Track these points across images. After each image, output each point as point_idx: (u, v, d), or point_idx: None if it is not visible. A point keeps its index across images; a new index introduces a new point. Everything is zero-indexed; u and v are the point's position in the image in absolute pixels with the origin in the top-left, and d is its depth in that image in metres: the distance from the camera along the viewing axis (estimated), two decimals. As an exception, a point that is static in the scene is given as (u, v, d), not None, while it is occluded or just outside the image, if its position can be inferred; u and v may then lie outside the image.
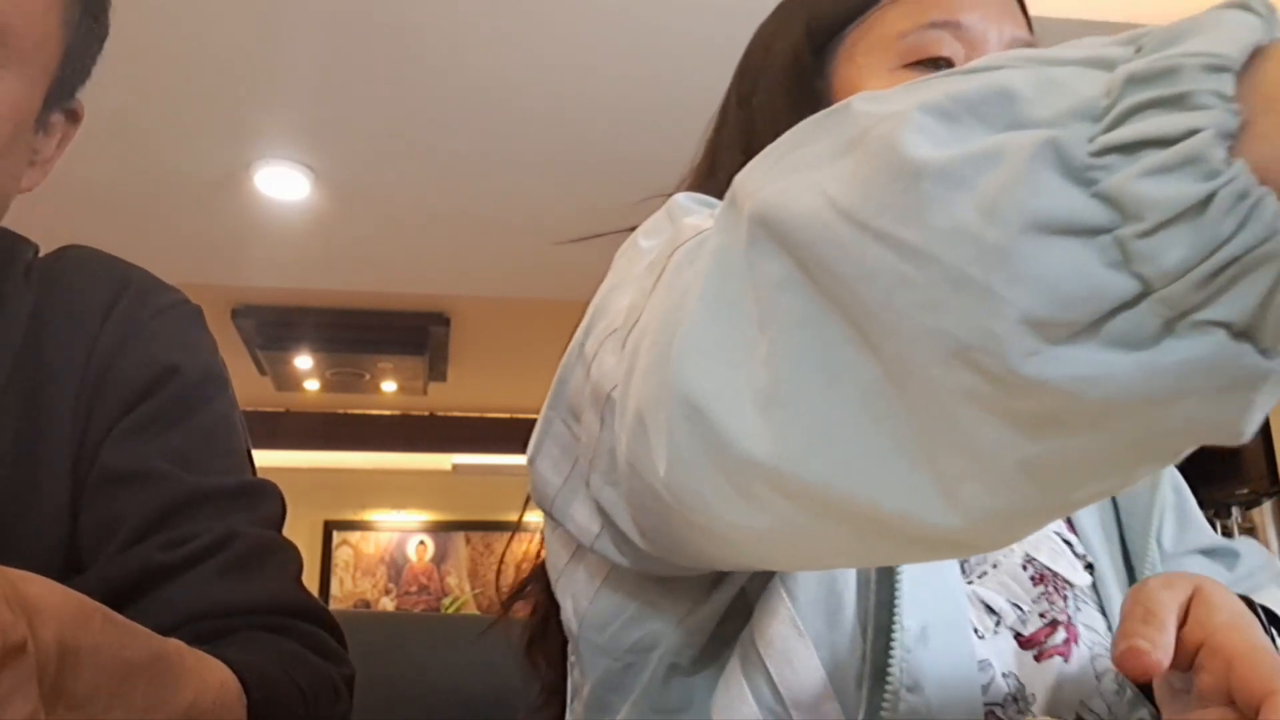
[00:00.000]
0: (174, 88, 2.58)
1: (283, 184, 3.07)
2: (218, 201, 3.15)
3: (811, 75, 0.74)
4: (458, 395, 5.23)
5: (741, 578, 0.62)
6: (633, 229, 0.63)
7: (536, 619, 0.77)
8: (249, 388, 4.89)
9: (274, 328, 4.30)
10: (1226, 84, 0.28)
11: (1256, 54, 0.28)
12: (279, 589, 0.68)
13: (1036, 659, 0.64)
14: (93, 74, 0.74)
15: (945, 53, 0.70)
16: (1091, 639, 0.67)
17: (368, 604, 6.01)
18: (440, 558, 6.12)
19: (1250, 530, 3.58)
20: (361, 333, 4.39)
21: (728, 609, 0.63)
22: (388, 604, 6.01)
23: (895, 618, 0.58)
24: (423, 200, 3.19)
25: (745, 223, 0.38)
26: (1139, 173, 0.28)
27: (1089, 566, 0.69)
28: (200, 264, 3.55)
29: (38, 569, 0.42)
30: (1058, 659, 0.64)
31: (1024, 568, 0.66)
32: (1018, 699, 0.62)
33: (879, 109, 0.35)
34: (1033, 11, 0.78)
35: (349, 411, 5.49)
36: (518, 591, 0.78)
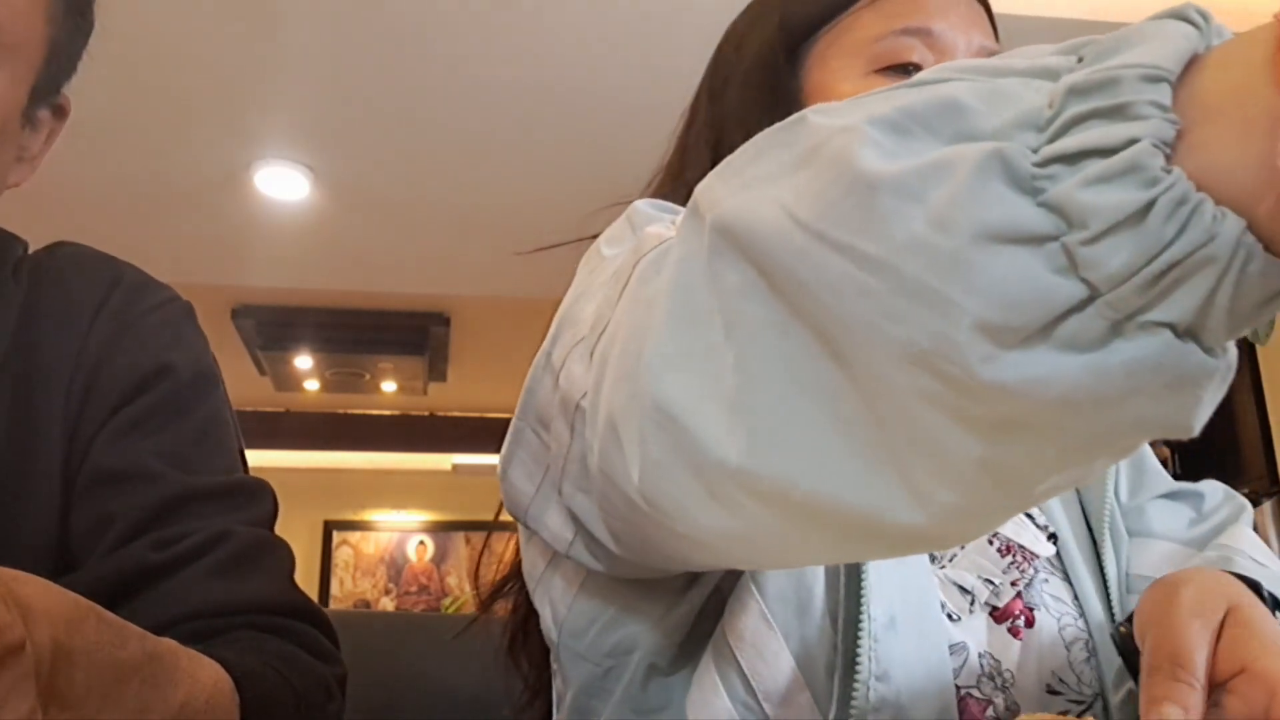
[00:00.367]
0: (175, 88, 2.59)
1: (283, 184, 3.08)
2: (218, 201, 3.16)
3: (783, 76, 0.75)
4: (458, 395, 5.23)
5: (716, 576, 0.63)
6: (595, 237, 0.64)
7: (517, 618, 0.78)
8: (249, 388, 4.89)
9: (274, 328, 4.31)
10: (1164, 94, 0.29)
11: (1193, 63, 0.30)
12: (272, 588, 0.68)
13: (1011, 632, 0.65)
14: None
15: (915, 59, 0.71)
16: (1059, 609, 0.68)
17: (368, 604, 6.01)
18: (440, 558, 6.13)
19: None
20: (361, 333, 4.39)
21: (703, 607, 0.63)
22: (388, 604, 6.01)
23: (862, 608, 0.59)
24: (423, 200, 3.19)
25: (707, 234, 0.38)
26: (1082, 182, 0.29)
27: (1052, 536, 0.70)
28: (200, 264, 3.55)
29: (29, 567, 0.43)
30: (1029, 632, 0.66)
31: (990, 542, 0.67)
32: (994, 677, 0.63)
33: (833, 122, 0.36)
34: (1008, 10, 0.79)
35: (349, 411, 5.49)
36: (497, 591, 0.79)
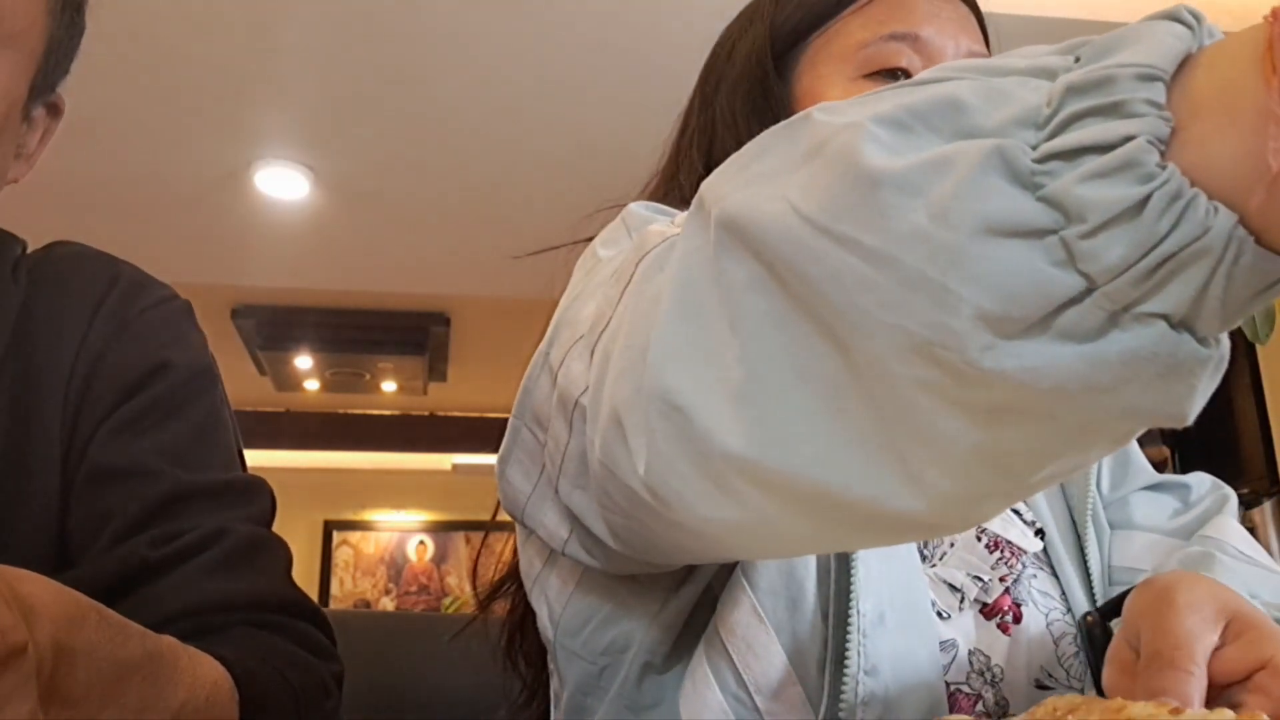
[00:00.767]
0: (175, 87, 2.59)
1: (283, 184, 3.08)
2: (218, 201, 3.16)
3: (773, 82, 0.76)
4: (458, 395, 5.23)
5: (709, 572, 0.64)
6: (590, 239, 0.65)
7: (514, 618, 0.79)
8: (249, 388, 4.89)
9: (274, 328, 4.31)
10: (1158, 92, 0.30)
11: (1186, 62, 0.31)
12: (270, 585, 0.68)
13: (1000, 628, 0.66)
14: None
15: (904, 64, 0.72)
16: (1047, 604, 0.69)
17: (368, 604, 6.01)
18: (440, 558, 6.13)
19: (1250, 530, 3.57)
20: (361, 333, 4.39)
21: (696, 604, 0.64)
22: (388, 604, 6.01)
23: (852, 603, 0.60)
24: (423, 200, 3.20)
25: (713, 228, 0.39)
26: (1080, 177, 0.30)
27: (1039, 532, 0.71)
28: (200, 264, 3.55)
29: (29, 565, 0.43)
30: (1018, 627, 0.66)
31: (978, 538, 0.68)
32: (983, 673, 0.64)
33: (836, 119, 0.37)
34: (1004, 10, 0.79)
35: (349, 411, 5.49)
36: (495, 591, 0.80)
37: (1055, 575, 0.71)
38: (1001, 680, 0.64)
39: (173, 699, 0.49)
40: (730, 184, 0.40)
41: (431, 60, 2.52)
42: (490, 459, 0.65)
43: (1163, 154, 0.29)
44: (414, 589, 6.08)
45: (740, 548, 0.52)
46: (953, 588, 0.66)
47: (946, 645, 0.64)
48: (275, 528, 0.74)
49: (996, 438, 0.34)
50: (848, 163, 0.34)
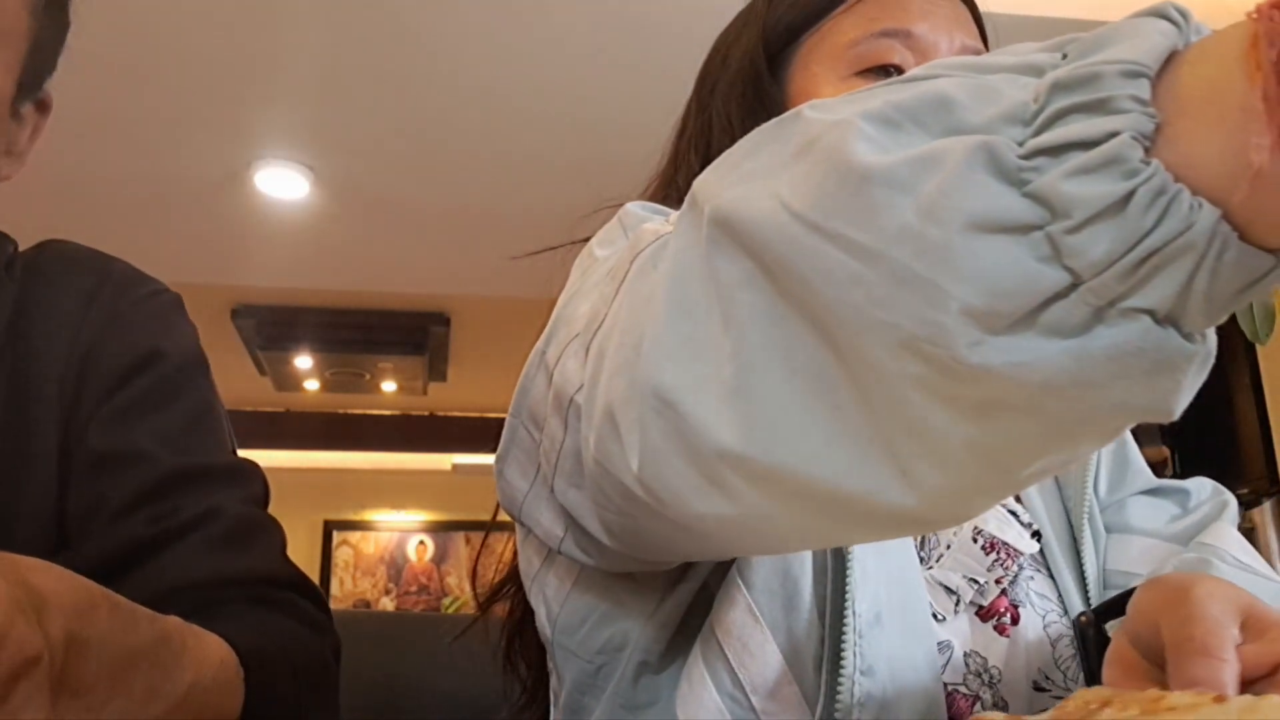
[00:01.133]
0: (174, 87, 2.59)
1: (283, 184, 3.09)
2: (218, 201, 3.16)
3: (767, 82, 0.76)
4: (458, 395, 5.23)
5: (704, 570, 0.64)
6: (586, 239, 0.66)
7: (514, 620, 0.79)
8: (249, 388, 4.89)
9: (274, 328, 4.31)
10: (1143, 89, 0.30)
11: (1171, 59, 0.31)
12: (266, 562, 0.69)
13: (997, 630, 0.66)
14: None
15: (895, 60, 0.72)
16: (1044, 606, 0.69)
17: (368, 604, 6.01)
18: (440, 558, 6.13)
19: (1250, 530, 3.58)
20: (361, 333, 4.39)
21: (691, 603, 0.64)
22: (388, 604, 6.01)
23: (847, 603, 0.60)
24: (423, 200, 3.20)
25: (705, 226, 0.40)
26: (1065, 173, 0.30)
27: (1036, 534, 0.71)
28: (200, 264, 3.56)
29: (30, 553, 0.43)
30: (1016, 629, 0.66)
31: (974, 540, 0.68)
32: (980, 674, 0.64)
33: (826, 117, 0.37)
34: (1000, 9, 0.79)
35: (349, 411, 5.49)
36: (494, 593, 0.80)
37: (1052, 577, 0.71)
38: (999, 681, 0.64)
39: (180, 682, 0.50)
40: (722, 182, 0.40)
41: (432, 61, 2.52)
42: (490, 459, 0.65)
43: (1148, 150, 0.30)
44: (414, 589, 6.08)
45: (734, 544, 0.52)
46: (948, 590, 0.66)
47: (942, 647, 0.64)
48: (266, 510, 0.74)
49: (986, 432, 0.34)
50: (837, 160, 0.34)
